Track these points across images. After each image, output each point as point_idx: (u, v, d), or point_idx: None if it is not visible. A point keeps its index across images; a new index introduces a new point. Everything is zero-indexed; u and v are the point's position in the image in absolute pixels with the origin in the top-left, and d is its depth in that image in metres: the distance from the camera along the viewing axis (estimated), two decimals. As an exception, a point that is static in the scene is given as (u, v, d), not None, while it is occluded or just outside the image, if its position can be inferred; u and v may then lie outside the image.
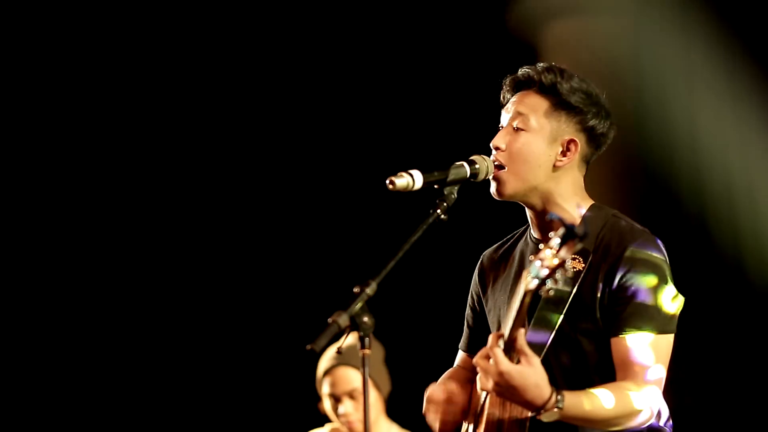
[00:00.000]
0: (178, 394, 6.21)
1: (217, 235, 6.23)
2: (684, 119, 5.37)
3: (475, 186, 3.20)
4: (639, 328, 3.10)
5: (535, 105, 3.25)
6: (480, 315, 3.46)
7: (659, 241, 3.20)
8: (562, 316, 3.11)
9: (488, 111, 3.39)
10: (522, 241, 3.39)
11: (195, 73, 6.16)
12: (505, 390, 2.93)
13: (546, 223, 3.22)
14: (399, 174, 3.06)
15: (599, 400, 3.03)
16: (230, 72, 6.16)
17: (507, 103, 3.32)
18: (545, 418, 2.97)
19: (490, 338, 2.97)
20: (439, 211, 3.08)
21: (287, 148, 6.18)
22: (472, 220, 4.28)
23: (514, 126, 3.25)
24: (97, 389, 6.21)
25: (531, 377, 2.92)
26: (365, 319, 2.83)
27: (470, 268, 3.50)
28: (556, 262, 2.77)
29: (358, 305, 2.84)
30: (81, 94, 6.13)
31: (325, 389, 5.02)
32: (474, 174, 3.16)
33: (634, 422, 3.10)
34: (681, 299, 3.17)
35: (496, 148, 3.25)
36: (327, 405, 5.04)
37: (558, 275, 2.79)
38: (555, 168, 3.24)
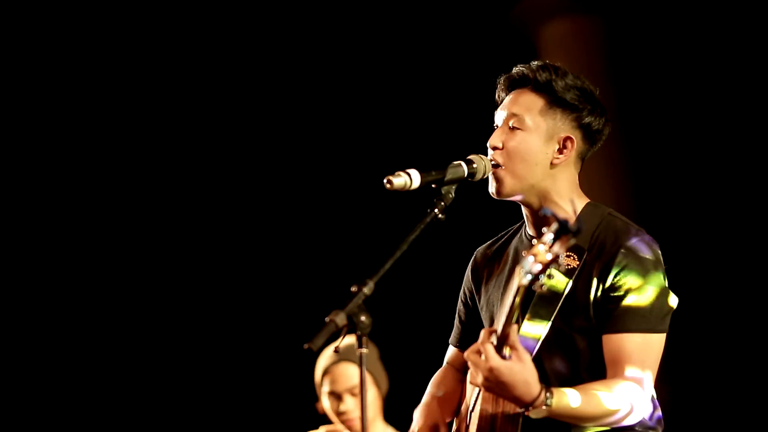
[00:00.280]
0: (176, 392, 6.20)
1: (215, 235, 6.24)
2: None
3: (472, 185, 3.20)
4: (631, 327, 3.11)
5: (530, 103, 3.26)
6: (472, 311, 3.47)
7: (654, 241, 3.20)
8: (555, 313, 3.11)
9: (486, 110, 3.39)
10: (516, 237, 3.40)
11: (193, 72, 6.16)
12: (495, 385, 2.93)
13: (541, 221, 3.24)
14: (396, 173, 3.06)
15: (589, 397, 3.03)
16: (228, 72, 6.16)
17: (502, 102, 3.33)
18: (534, 414, 2.97)
19: (483, 333, 2.97)
20: (436, 210, 3.08)
21: (285, 147, 6.19)
22: (466, 219, 4.27)
23: (510, 125, 3.25)
24: (94, 387, 6.20)
25: (520, 374, 2.92)
26: (363, 318, 2.83)
27: (463, 265, 3.51)
28: (549, 257, 2.77)
29: (356, 304, 2.84)
30: (81, 94, 6.13)
31: (325, 387, 5.00)
32: (472, 173, 3.17)
33: (624, 420, 3.10)
34: (675, 299, 3.17)
35: (494, 148, 3.25)
36: (326, 404, 5.02)
37: (551, 270, 2.79)
38: (552, 165, 3.25)
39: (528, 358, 2.94)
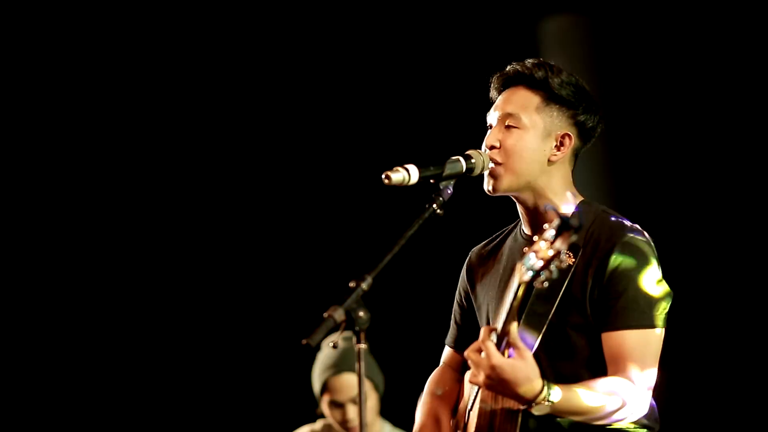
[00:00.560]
0: (172, 389, 6.20)
1: (211, 231, 6.22)
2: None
3: (470, 181, 3.19)
4: (630, 323, 3.11)
5: (525, 101, 3.26)
6: (468, 311, 3.46)
7: (648, 236, 3.20)
8: (552, 311, 3.11)
9: (483, 106, 3.38)
10: (510, 237, 3.40)
11: (188, 67, 6.15)
12: (497, 384, 2.93)
13: (537, 218, 3.25)
14: (395, 169, 3.06)
15: (591, 394, 3.03)
16: (224, 67, 6.15)
17: (496, 100, 3.33)
18: (536, 411, 2.97)
19: (483, 331, 2.96)
20: (434, 205, 3.08)
21: (283, 143, 6.17)
22: (464, 216, 4.27)
23: (506, 124, 3.25)
24: (91, 383, 6.20)
25: (522, 371, 2.92)
26: (361, 313, 2.83)
27: (461, 263, 3.51)
28: (551, 253, 2.77)
29: (354, 300, 2.84)
30: (81, 94, 6.12)
31: (326, 398, 4.98)
32: (470, 168, 3.16)
33: (626, 417, 3.11)
34: (670, 294, 3.17)
35: (491, 147, 3.25)
36: (328, 412, 5.00)
37: (553, 267, 2.79)
38: (549, 162, 3.25)
39: (529, 355, 2.94)
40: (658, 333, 3.14)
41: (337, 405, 4.96)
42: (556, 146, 3.25)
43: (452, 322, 3.54)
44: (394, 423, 5.11)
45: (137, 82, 6.14)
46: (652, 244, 3.19)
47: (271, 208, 6.16)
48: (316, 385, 5.01)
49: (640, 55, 5.49)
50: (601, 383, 3.07)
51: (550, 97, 3.25)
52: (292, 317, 4.78)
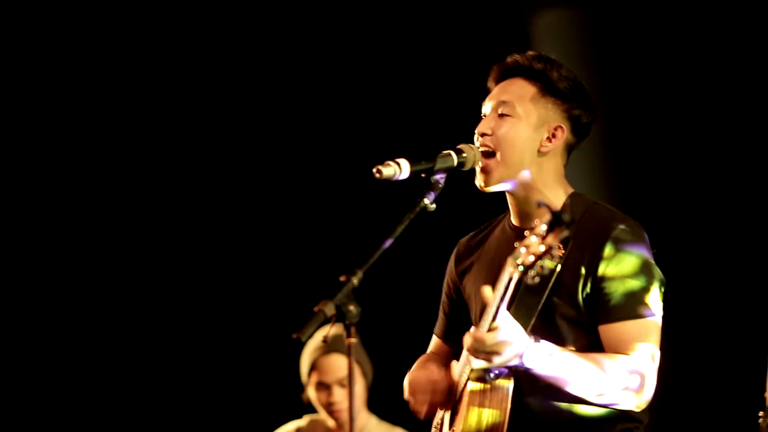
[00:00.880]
0: (164, 384, 6.20)
1: (203, 226, 6.22)
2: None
3: (461, 175, 3.19)
4: (628, 314, 3.10)
5: (521, 91, 3.26)
6: (456, 302, 3.46)
7: (640, 226, 3.20)
8: (541, 303, 3.11)
9: (476, 101, 3.38)
10: (498, 228, 3.39)
11: (184, 66, 6.15)
12: (496, 346, 2.93)
13: (527, 210, 3.23)
14: (386, 163, 3.06)
15: (590, 358, 3.04)
16: (219, 65, 6.15)
17: (492, 91, 3.32)
18: (536, 359, 2.98)
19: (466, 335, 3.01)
20: (426, 200, 3.08)
21: (274, 138, 6.17)
22: (451, 209, 4.27)
23: (500, 112, 3.25)
24: (89, 382, 6.20)
25: (513, 329, 2.95)
26: (351, 307, 2.83)
27: (447, 256, 3.50)
28: (542, 248, 2.77)
29: (344, 294, 2.84)
30: (81, 94, 6.11)
31: (313, 378, 4.98)
32: (461, 163, 3.16)
33: (624, 400, 3.10)
34: (663, 281, 3.16)
35: (482, 134, 3.24)
36: (314, 395, 5.00)
37: (543, 262, 2.79)
38: (540, 153, 3.24)
39: (513, 321, 2.96)
40: (656, 320, 3.13)
41: (323, 386, 4.95)
42: (548, 137, 3.24)
43: (440, 312, 3.53)
44: (380, 414, 5.11)
45: (134, 81, 6.13)
46: (644, 233, 3.19)
47: (263, 203, 6.16)
48: (304, 367, 5.00)
49: (634, 49, 5.49)
50: (604, 356, 3.08)
51: (547, 89, 3.25)
52: (283, 312, 4.76)
